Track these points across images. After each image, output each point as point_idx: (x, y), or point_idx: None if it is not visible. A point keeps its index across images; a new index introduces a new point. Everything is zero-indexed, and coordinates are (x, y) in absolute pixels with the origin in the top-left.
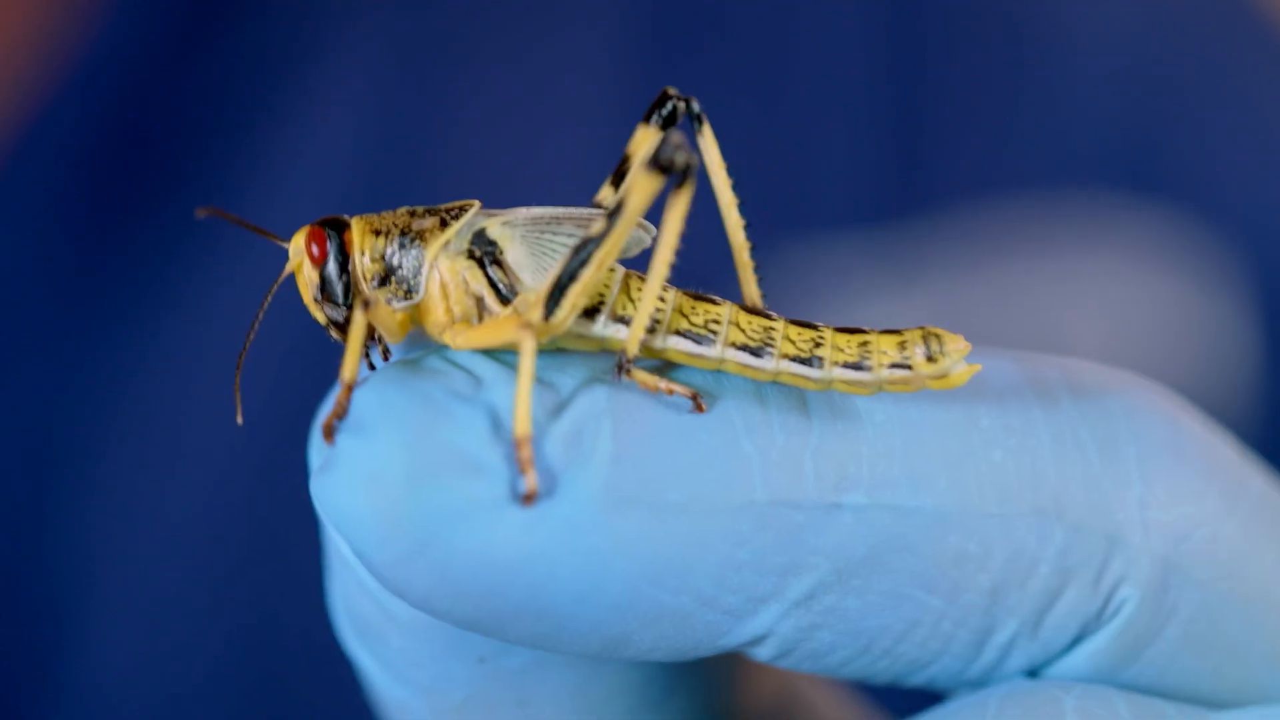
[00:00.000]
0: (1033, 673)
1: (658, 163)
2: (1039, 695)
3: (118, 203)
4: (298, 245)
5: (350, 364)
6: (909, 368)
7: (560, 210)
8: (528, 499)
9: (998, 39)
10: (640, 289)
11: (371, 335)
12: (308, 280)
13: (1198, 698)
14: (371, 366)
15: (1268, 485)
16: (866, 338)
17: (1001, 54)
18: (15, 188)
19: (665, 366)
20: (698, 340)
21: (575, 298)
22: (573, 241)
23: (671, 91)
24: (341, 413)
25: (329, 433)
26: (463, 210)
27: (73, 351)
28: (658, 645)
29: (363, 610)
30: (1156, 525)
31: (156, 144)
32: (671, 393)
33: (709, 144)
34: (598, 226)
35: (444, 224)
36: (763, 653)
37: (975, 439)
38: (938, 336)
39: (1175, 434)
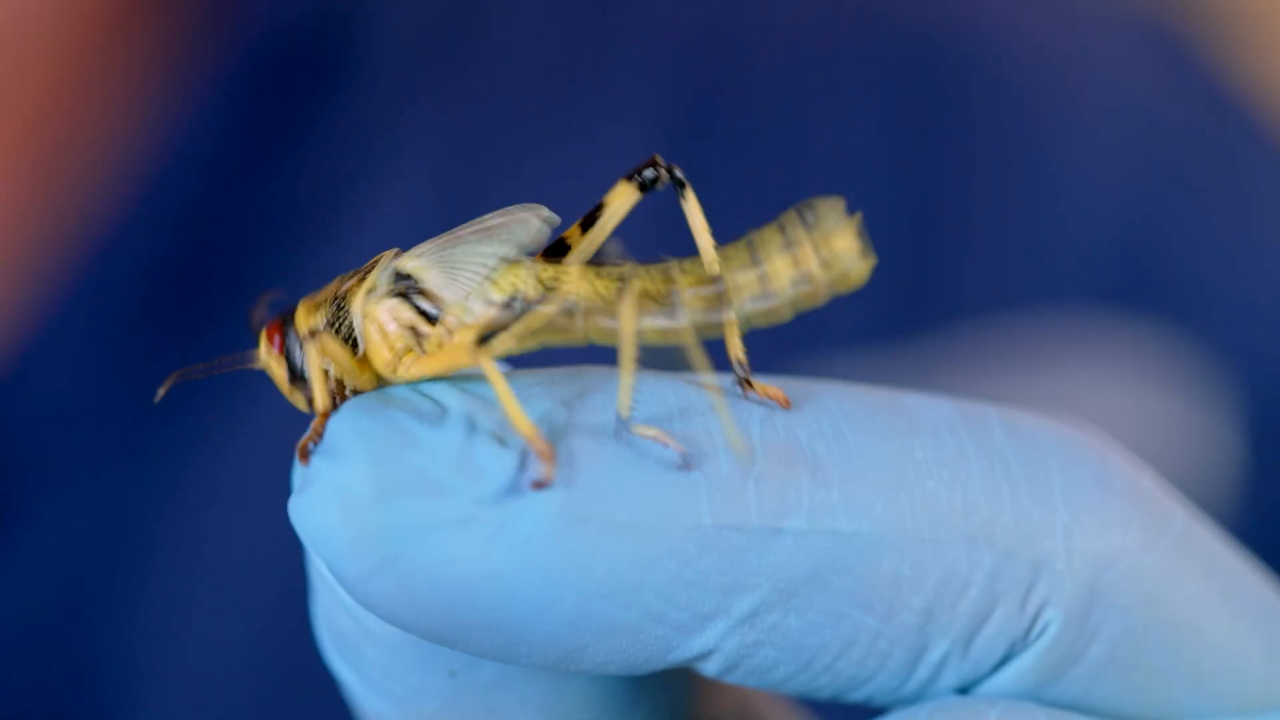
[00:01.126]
0: (963, 690)
1: (635, 175)
2: (967, 710)
3: (179, 327)
4: (263, 347)
5: (319, 392)
6: (810, 283)
7: (460, 228)
8: (540, 485)
9: (1001, 164)
10: (600, 281)
11: (343, 389)
12: (280, 376)
13: (1121, 715)
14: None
15: (1190, 520)
16: (730, 254)
17: (1004, 178)
18: (84, 304)
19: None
20: (610, 315)
21: (521, 331)
22: (477, 246)
23: (658, 159)
24: (316, 438)
25: (303, 455)
26: (377, 261)
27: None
28: (611, 658)
29: (342, 626)
30: (1081, 553)
31: (222, 256)
32: (668, 445)
33: (692, 208)
34: (570, 233)
35: (364, 277)
36: (709, 668)
37: (910, 469)
38: (814, 210)
39: (1102, 468)
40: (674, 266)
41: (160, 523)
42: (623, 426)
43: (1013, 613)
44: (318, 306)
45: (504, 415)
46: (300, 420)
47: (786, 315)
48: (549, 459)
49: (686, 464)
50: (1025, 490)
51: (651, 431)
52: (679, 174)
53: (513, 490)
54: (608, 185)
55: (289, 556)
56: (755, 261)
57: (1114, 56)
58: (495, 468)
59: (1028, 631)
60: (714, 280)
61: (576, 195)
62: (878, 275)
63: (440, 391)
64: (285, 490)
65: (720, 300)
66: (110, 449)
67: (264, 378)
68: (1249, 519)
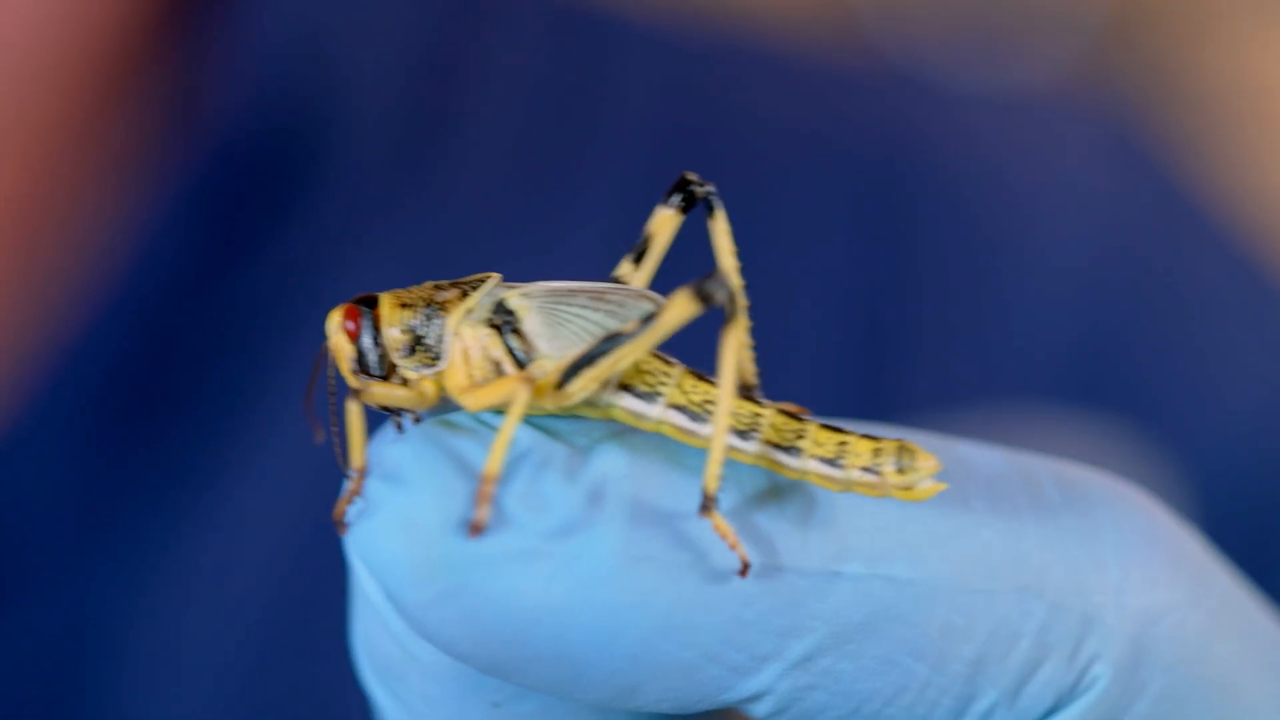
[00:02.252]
0: None
1: (699, 292)
2: None
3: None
4: (334, 322)
5: (356, 450)
6: (878, 474)
7: (575, 284)
8: (474, 529)
9: (961, 262)
10: (651, 363)
11: (394, 409)
12: (344, 355)
13: None
14: (400, 428)
15: (1231, 582)
16: (845, 439)
17: (964, 275)
18: (59, 400)
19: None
20: (692, 417)
21: (588, 380)
22: (584, 311)
23: (690, 176)
24: (353, 498)
25: (340, 523)
26: (483, 281)
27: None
28: (665, 696)
29: (385, 652)
30: (1130, 609)
31: (187, 356)
32: (734, 548)
33: (719, 230)
34: (629, 327)
35: (465, 294)
36: (760, 709)
37: (966, 519)
38: (911, 451)
39: (1151, 526)
40: (766, 414)
41: (147, 596)
42: (704, 509)
43: (1062, 665)
44: (405, 306)
45: (578, 454)
46: (302, 462)
47: (837, 489)
48: (487, 504)
49: (742, 571)
50: (1077, 543)
51: (727, 529)
52: (713, 193)
53: (579, 527)
54: (585, 264)
55: (283, 604)
56: (834, 462)
57: (1070, 158)
58: (561, 502)
59: (1076, 684)
60: (789, 449)
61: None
62: (841, 366)
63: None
64: (280, 539)
65: (797, 441)
66: (84, 538)
67: (269, 424)
68: None
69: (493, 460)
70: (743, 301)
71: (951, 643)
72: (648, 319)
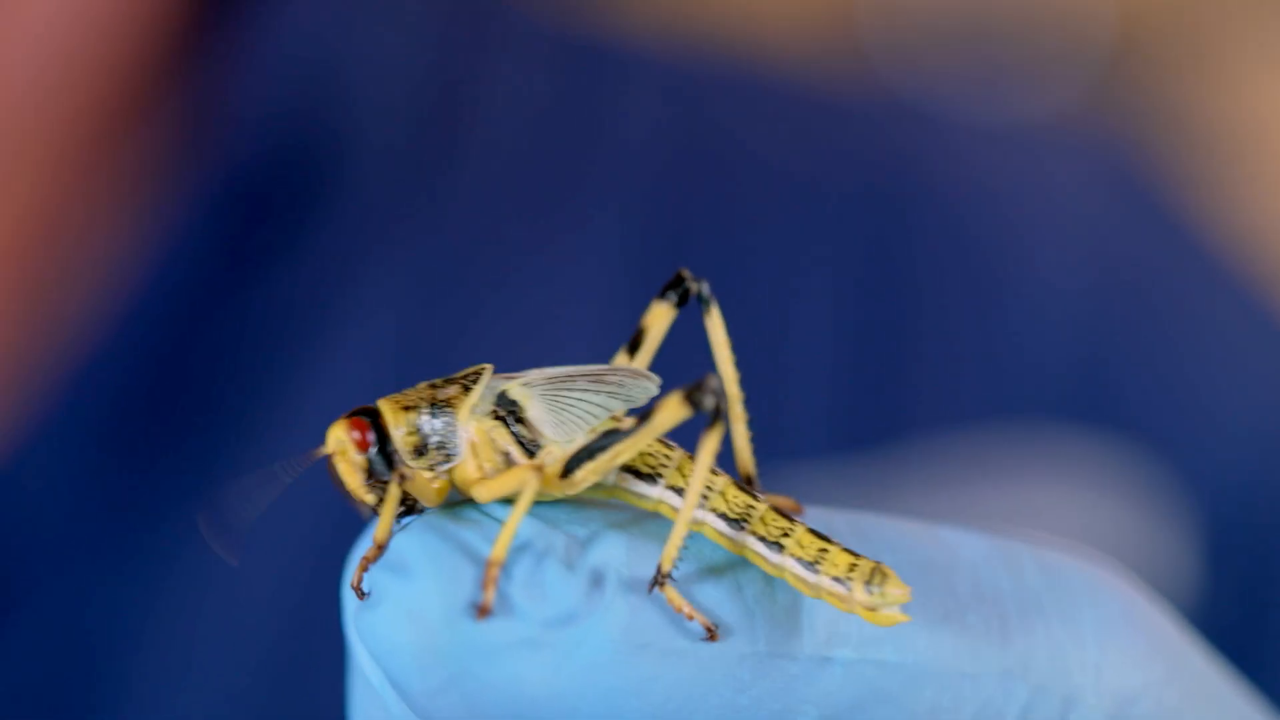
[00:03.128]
0: None
1: (690, 397)
2: None
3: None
4: (339, 436)
5: (384, 527)
6: (847, 587)
7: (572, 369)
8: (481, 612)
9: (959, 286)
10: (651, 446)
11: (405, 504)
12: (353, 467)
13: None
14: (399, 520)
15: (1204, 660)
16: (828, 547)
17: (961, 299)
18: (62, 420)
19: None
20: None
21: (589, 472)
22: (585, 395)
23: (685, 274)
24: (367, 566)
25: (359, 590)
26: (478, 375)
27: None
28: None
29: None
30: (1109, 688)
31: (197, 378)
32: (692, 619)
33: (715, 324)
34: (626, 424)
35: (465, 389)
36: None
37: (952, 604)
38: (884, 575)
39: (1127, 606)
40: (759, 508)
41: (147, 629)
42: (658, 582)
43: None
44: (408, 409)
45: (576, 545)
46: (312, 480)
47: (808, 592)
48: (492, 588)
49: (709, 636)
50: (1057, 626)
51: (679, 601)
52: (705, 290)
53: (579, 615)
54: (578, 314)
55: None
56: (812, 566)
57: (1069, 189)
58: (562, 591)
59: None
60: (787, 529)
61: (546, 323)
62: (840, 390)
63: (506, 514)
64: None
65: (782, 539)
66: (89, 558)
67: (278, 442)
68: (1202, 632)
69: (499, 546)
70: (738, 410)
71: None
72: (643, 418)
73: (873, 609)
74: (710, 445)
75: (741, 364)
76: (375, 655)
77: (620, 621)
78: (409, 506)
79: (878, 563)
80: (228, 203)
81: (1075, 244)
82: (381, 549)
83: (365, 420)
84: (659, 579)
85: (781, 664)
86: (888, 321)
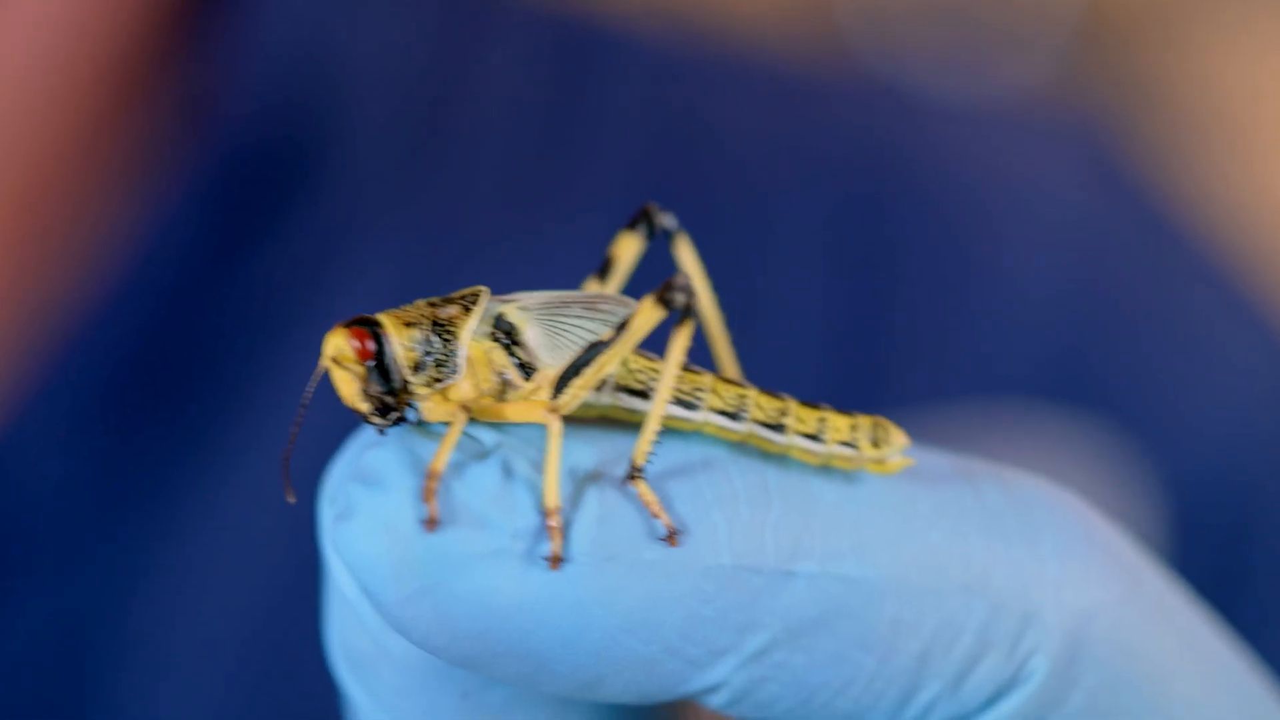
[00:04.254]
0: None
1: (662, 299)
2: None
3: (143, 428)
4: (338, 345)
5: (444, 455)
6: (855, 448)
7: (566, 294)
8: (554, 562)
9: (940, 268)
10: (638, 362)
11: (388, 413)
12: (352, 375)
13: None
14: (382, 432)
15: (1163, 581)
16: (824, 415)
17: (941, 281)
18: (56, 396)
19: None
20: (686, 405)
21: (577, 389)
22: (580, 321)
23: (651, 206)
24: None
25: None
26: (475, 295)
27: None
28: (627, 689)
29: (358, 646)
30: (1068, 606)
31: (192, 353)
32: (658, 516)
33: (685, 253)
34: (606, 335)
35: (466, 309)
36: (716, 700)
37: (915, 521)
38: (885, 427)
39: (1086, 528)
40: (750, 395)
41: (141, 597)
42: (632, 476)
43: (1002, 659)
44: (410, 325)
45: (542, 464)
46: (303, 461)
47: (817, 462)
48: (559, 537)
49: (670, 538)
50: (1018, 543)
51: (650, 497)
52: (671, 223)
53: (544, 534)
54: (573, 282)
55: (273, 603)
56: (816, 437)
57: (1043, 168)
58: (530, 506)
59: (1015, 676)
60: (776, 426)
61: (531, 269)
62: (816, 370)
63: (481, 432)
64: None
65: (782, 419)
66: (78, 537)
67: (269, 424)
68: None
69: (549, 493)
70: (718, 326)
71: (899, 638)
72: (621, 327)
73: (881, 461)
74: (681, 340)
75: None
76: (349, 566)
77: (589, 533)
78: (397, 418)
79: (874, 416)
80: (220, 185)
81: (1050, 224)
82: (438, 478)
83: (366, 330)
84: (632, 473)
85: (746, 576)
86: (863, 302)
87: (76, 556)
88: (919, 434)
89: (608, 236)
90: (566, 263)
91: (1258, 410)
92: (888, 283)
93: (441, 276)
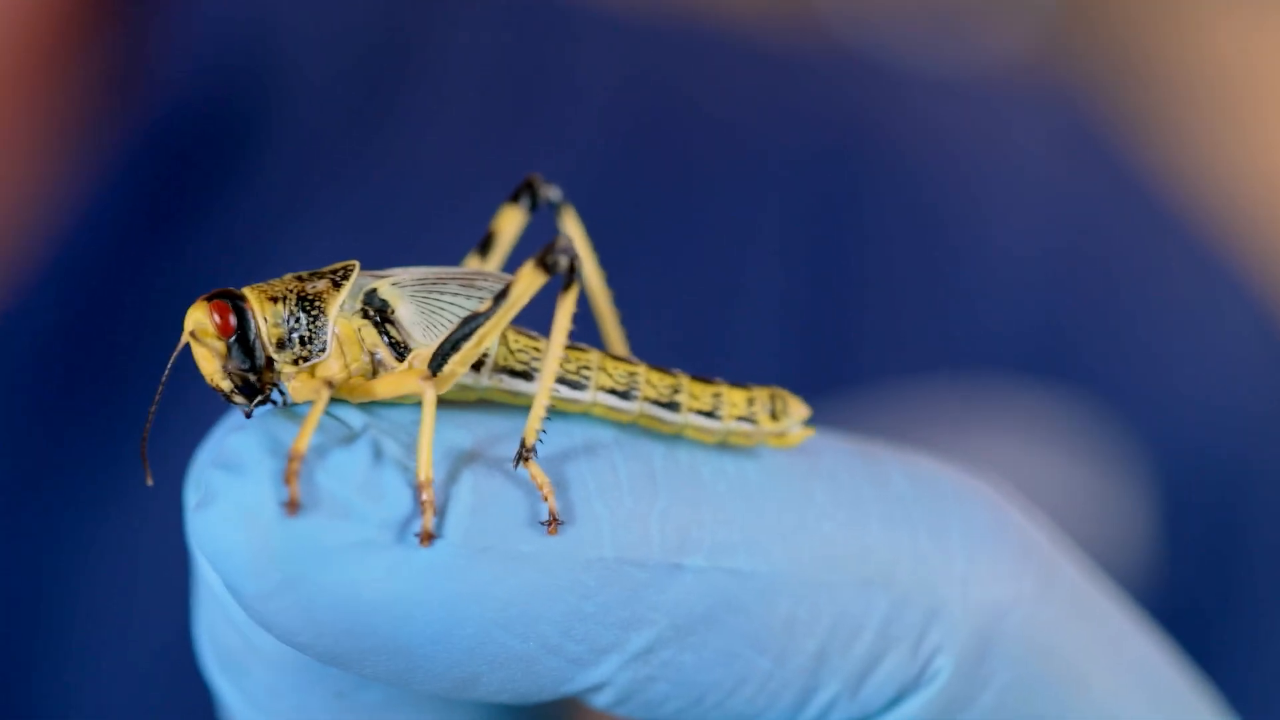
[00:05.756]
0: None
1: (543, 262)
2: None
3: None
4: (199, 319)
5: (306, 435)
6: (753, 422)
7: (443, 270)
8: (425, 538)
9: (917, 241)
10: (520, 341)
11: (254, 393)
12: (212, 351)
13: None
14: (248, 415)
15: (1079, 576)
16: (719, 389)
17: (919, 253)
18: None
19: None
20: (572, 385)
21: (455, 364)
22: (457, 299)
23: (535, 178)
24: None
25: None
26: (347, 270)
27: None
28: (505, 688)
29: (227, 642)
30: (976, 601)
31: (126, 326)
32: (545, 500)
33: (572, 226)
34: (484, 306)
35: (336, 285)
36: (601, 700)
37: (809, 512)
38: (783, 398)
39: (998, 520)
40: (640, 371)
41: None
42: (522, 457)
43: (905, 657)
44: (275, 300)
45: (414, 447)
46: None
47: (713, 440)
48: (431, 511)
49: (550, 525)
50: (923, 536)
51: (542, 479)
52: (555, 195)
53: (415, 519)
54: (520, 259)
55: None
56: (712, 414)
57: (1024, 140)
58: (400, 493)
59: (919, 676)
60: (669, 404)
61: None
62: (792, 342)
63: (349, 414)
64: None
65: (674, 396)
66: (17, 511)
67: (207, 399)
68: (1158, 588)
69: (422, 466)
70: (606, 303)
71: (794, 636)
72: (499, 296)
73: (781, 434)
74: (566, 307)
75: (693, 315)
76: (209, 556)
77: (461, 524)
78: (262, 399)
79: (771, 387)
80: (159, 151)
81: (1030, 198)
82: (300, 460)
83: (227, 304)
84: (523, 453)
85: (629, 570)
86: (841, 275)
87: (17, 527)
88: (896, 411)
89: (570, 197)
90: (527, 235)
91: (1244, 387)
92: (863, 256)
93: (389, 252)
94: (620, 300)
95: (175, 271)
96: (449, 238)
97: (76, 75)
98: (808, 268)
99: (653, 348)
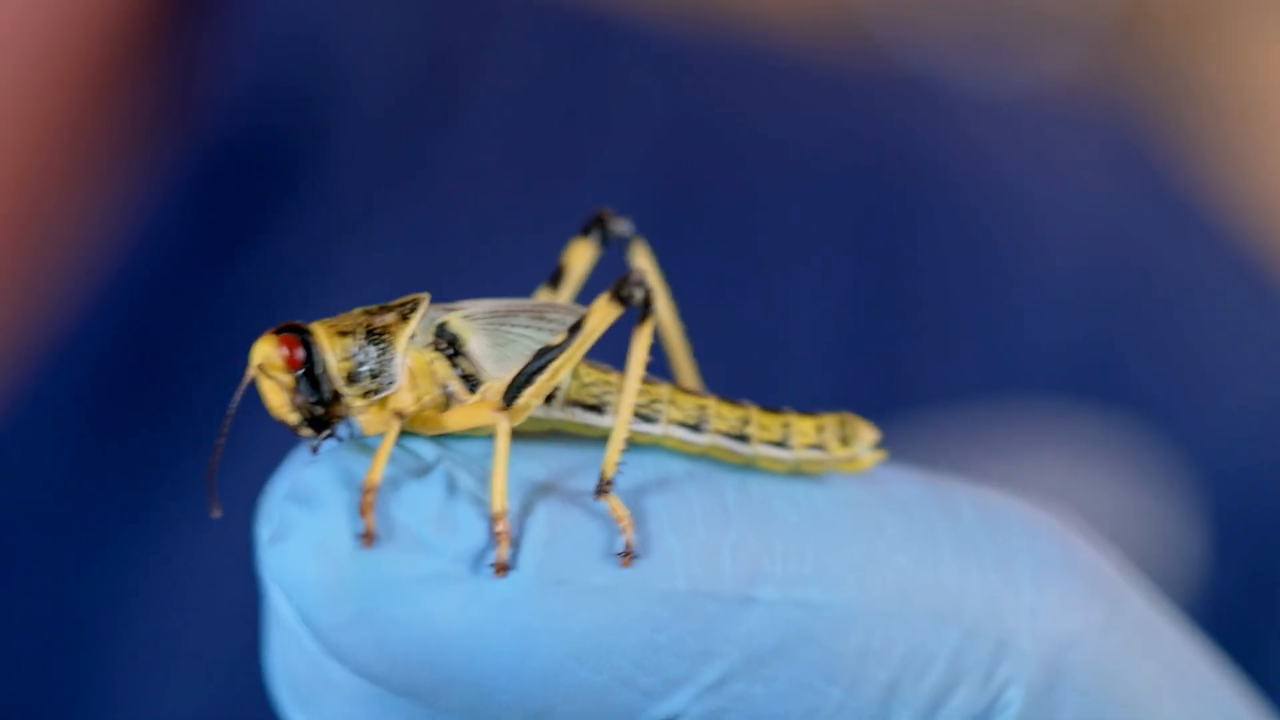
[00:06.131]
0: None
1: (618, 295)
2: None
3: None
4: (266, 352)
5: (378, 467)
6: (824, 449)
7: (514, 302)
8: (500, 569)
9: (965, 263)
10: (592, 375)
11: (321, 426)
12: (280, 385)
13: None
14: (314, 449)
15: (1146, 606)
16: (788, 419)
17: (967, 275)
18: (42, 395)
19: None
20: (644, 419)
21: (530, 397)
22: (528, 331)
23: (606, 213)
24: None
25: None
26: (416, 304)
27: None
28: (578, 719)
29: (302, 675)
30: (1045, 633)
31: (181, 352)
32: (624, 534)
33: (641, 260)
34: (558, 339)
35: (404, 318)
36: None
37: (881, 544)
38: (852, 423)
39: (1066, 551)
40: (710, 404)
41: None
42: (602, 490)
43: (976, 689)
44: (344, 334)
45: (487, 479)
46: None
47: (784, 470)
48: (506, 542)
49: (625, 558)
50: (992, 568)
51: (622, 512)
52: (627, 229)
53: (489, 552)
54: (591, 293)
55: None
56: (782, 443)
57: (1073, 161)
58: (474, 525)
59: (990, 707)
60: (739, 436)
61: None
62: (839, 364)
63: (422, 447)
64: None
65: (744, 429)
66: (74, 537)
67: (260, 422)
68: (1208, 611)
69: (497, 498)
70: (677, 336)
71: (866, 667)
72: (574, 329)
73: (852, 459)
74: (643, 339)
75: (741, 336)
76: (284, 589)
77: (535, 558)
78: (329, 432)
79: (839, 413)
80: (211, 176)
81: (1079, 219)
82: (374, 492)
83: (295, 338)
84: (602, 486)
85: (701, 603)
86: (888, 296)
87: (72, 556)
88: (943, 434)
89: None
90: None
91: None
92: (911, 278)
93: (442, 275)
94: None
95: (230, 295)
96: (503, 261)
97: (130, 99)
98: (855, 290)
99: (702, 371)
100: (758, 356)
